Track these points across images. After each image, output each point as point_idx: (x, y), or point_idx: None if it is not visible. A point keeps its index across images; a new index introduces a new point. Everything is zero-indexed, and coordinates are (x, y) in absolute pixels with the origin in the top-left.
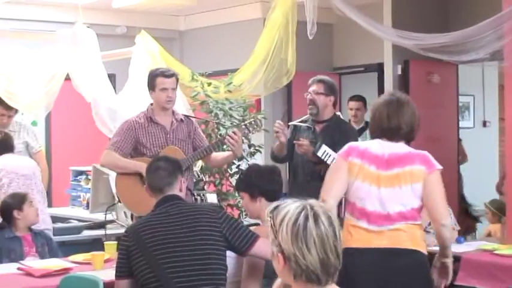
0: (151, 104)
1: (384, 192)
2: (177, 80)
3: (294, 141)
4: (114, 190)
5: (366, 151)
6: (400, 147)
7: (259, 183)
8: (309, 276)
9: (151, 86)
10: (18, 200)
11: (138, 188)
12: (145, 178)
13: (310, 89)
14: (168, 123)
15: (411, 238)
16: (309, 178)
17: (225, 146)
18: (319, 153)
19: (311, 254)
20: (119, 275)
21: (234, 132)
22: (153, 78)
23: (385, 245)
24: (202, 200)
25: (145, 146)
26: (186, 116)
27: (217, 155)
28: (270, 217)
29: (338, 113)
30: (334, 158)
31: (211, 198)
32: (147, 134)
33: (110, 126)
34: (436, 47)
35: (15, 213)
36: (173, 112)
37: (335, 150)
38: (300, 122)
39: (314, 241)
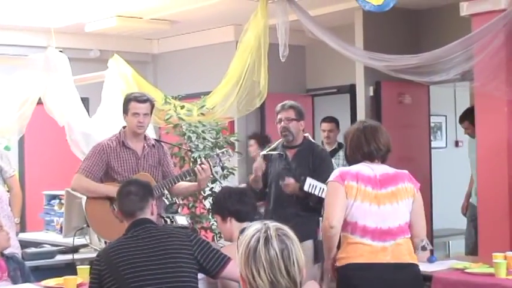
0: (124, 128)
1: (384, 209)
2: (152, 106)
3: (281, 183)
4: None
5: (358, 174)
6: (386, 168)
7: (228, 204)
8: None
9: (125, 109)
10: None
11: (107, 212)
12: (115, 203)
13: (281, 116)
14: (139, 149)
15: (409, 252)
16: (286, 204)
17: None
18: (306, 188)
19: (260, 277)
20: None
21: (204, 163)
22: (127, 102)
23: (389, 260)
24: (172, 222)
25: (116, 171)
26: (157, 141)
27: (180, 184)
28: (239, 238)
29: (306, 134)
30: (321, 188)
31: (181, 220)
32: (119, 158)
33: (84, 150)
34: (406, 68)
35: None
36: (145, 137)
37: (313, 175)
38: (270, 150)
39: (263, 264)
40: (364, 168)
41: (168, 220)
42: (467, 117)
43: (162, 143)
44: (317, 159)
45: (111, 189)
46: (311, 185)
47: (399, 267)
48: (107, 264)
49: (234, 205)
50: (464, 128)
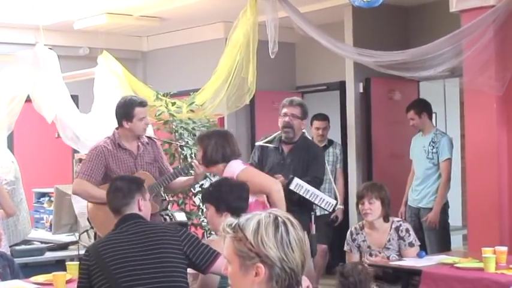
0: (117, 129)
1: None
2: None
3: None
4: (76, 211)
5: None
6: None
7: (229, 199)
8: (291, 280)
9: (128, 116)
10: None
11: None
12: (106, 199)
13: (287, 111)
14: (134, 148)
15: None
16: None
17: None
18: (292, 187)
19: (296, 257)
20: None
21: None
22: (131, 109)
23: None
24: (171, 219)
25: (115, 172)
26: (150, 138)
27: (176, 180)
28: (235, 231)
29: (303, 131)
30: (306, 189)
31: (180, 216)
32: (116, 160)
33: (78, 143)
34: (395, 64)
35: None
36: (138, 136)
37: (306, 172)
38: (266, 142)
39: (296, 244)
40: None
41: (167, 217)
42: (414, 107)
43: (155, 139)
44: (311, 157)
45: None
46: (298, 184)
47: None
48: (96, 259)
49: (234, 201)
50: (410, 118)
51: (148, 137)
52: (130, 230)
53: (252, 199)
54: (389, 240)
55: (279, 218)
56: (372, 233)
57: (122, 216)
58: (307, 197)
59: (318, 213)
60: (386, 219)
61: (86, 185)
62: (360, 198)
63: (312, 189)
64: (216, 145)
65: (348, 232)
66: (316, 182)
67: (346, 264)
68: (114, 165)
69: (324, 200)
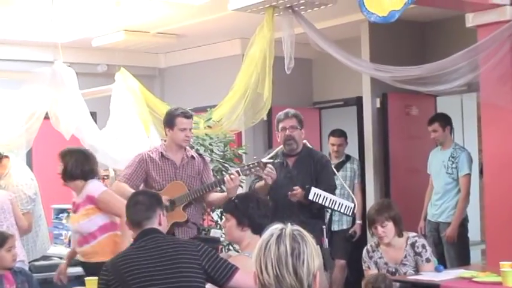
0: (165, 141)
1: None
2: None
3: (289, 193)
4: None
5: None
6: None
7: (254, 216)
8: None
9: (170, 124)
10: None
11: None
12: (126, 212)
13: (285, 124)
14: (178, 159)
15: None
16: (288, 212)
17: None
18: (311, 197)
19: (267, 271)
20: None
21: (233, 174)
22: (173, 117)
23: None
24: (206, 234)
25: (155, 179)
26: (200, 155)
27: (214, 194)
28: None
29: (305, 141)
30: (325, 197)
31: (215, 233)
32: (158, 168)
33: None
34: (411, 79)
35: None
36: (185, 149)
37: (315, 182)
38: (270, 158)
39: (271, 258)
40: None
41: (203, 233)
42: (440, 120)
43: (204, 157)
44: (318, 165)
45: None
46: (316, 194)
47: None
48: (115, 274)
49: (259, 218)
50: (433, 130)
51: (199, 154)
52: (149, 244)
53: (107, 220)
54: (405, 256)
55: (274, 230)
56: (388, 250)
57: (142, 230)
58: (326, 204)
59: (336, 229)
60: (400, 234)
61: (122, 186)
62: (371, 223)
63: (329, 195)
64: (77, 162)
65: (364, 250)
66: (331, 189)
67: (370, 277)
68: (154, 173)
69: (342, 205)
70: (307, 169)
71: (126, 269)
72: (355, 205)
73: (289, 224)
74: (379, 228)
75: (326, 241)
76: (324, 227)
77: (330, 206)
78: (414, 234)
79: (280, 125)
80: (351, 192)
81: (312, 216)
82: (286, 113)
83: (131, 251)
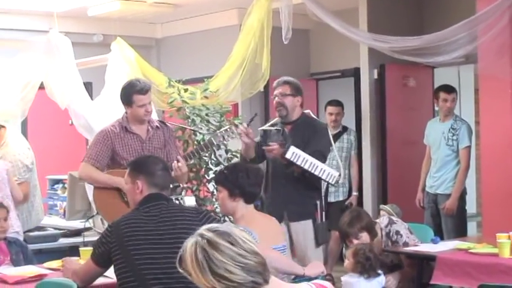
0: (126, 113)
1: None
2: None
3: (263, 147)
4: (90, 198)
5: None
6: None
7: (244, 185)
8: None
9: (128, 102)
10: None
11: (117, 202)
12: (145, 176)
13: (277, 92)
14: (143, 132)
15: None
16: (284, 181)
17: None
18: (288, 155)
19: (234, 274)
20: (98, 261)
21: (179, 161)
22: (129, 95)
23: None
24: (180, 203)
25: (122, 156)
26: (162, 122)
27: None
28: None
29: (307, 111)
30: (304, 158)
31: (190, 201)
32: (123, 143)
33: (90, 132)
34: (410, 50)
35: None
36: (148, 120)
37: (306, 147)
38: (269, 126)
39: (227, 263)
40: None
41: (177, 202)
42: (455, 91)
43: (168, 125)
44: (312, 132)
45: (119, 180)
46: (294, 153)
47: None
48: (116, 237)
49: (250, 187)
50: (452, 99)
51: (161, 121)
52: (152, 211)
53: None
54: (385, 246)
55: (195, 245)
56: None
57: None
58: (306, 167)
59: (332, 200)
60: (375, 237)
61: (91, 170)
62: (345, 236)
63: (311, 158)
64: None
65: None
66: (318, 155)
67: (356, 246)
68: (120, 149)
69: (325, 171)
70: (301, 135)
71: (127, 234)
72: (339, 174)
73: (201, 231)
74: (355, 241)
75: (319, 216)
76: (318, 202)
77: (309, 169)
78: (385, 222)
79: (274, 93)
80: (340, 164)
81: (308, 187)
82: (279, 81)
83: (136, 216)
